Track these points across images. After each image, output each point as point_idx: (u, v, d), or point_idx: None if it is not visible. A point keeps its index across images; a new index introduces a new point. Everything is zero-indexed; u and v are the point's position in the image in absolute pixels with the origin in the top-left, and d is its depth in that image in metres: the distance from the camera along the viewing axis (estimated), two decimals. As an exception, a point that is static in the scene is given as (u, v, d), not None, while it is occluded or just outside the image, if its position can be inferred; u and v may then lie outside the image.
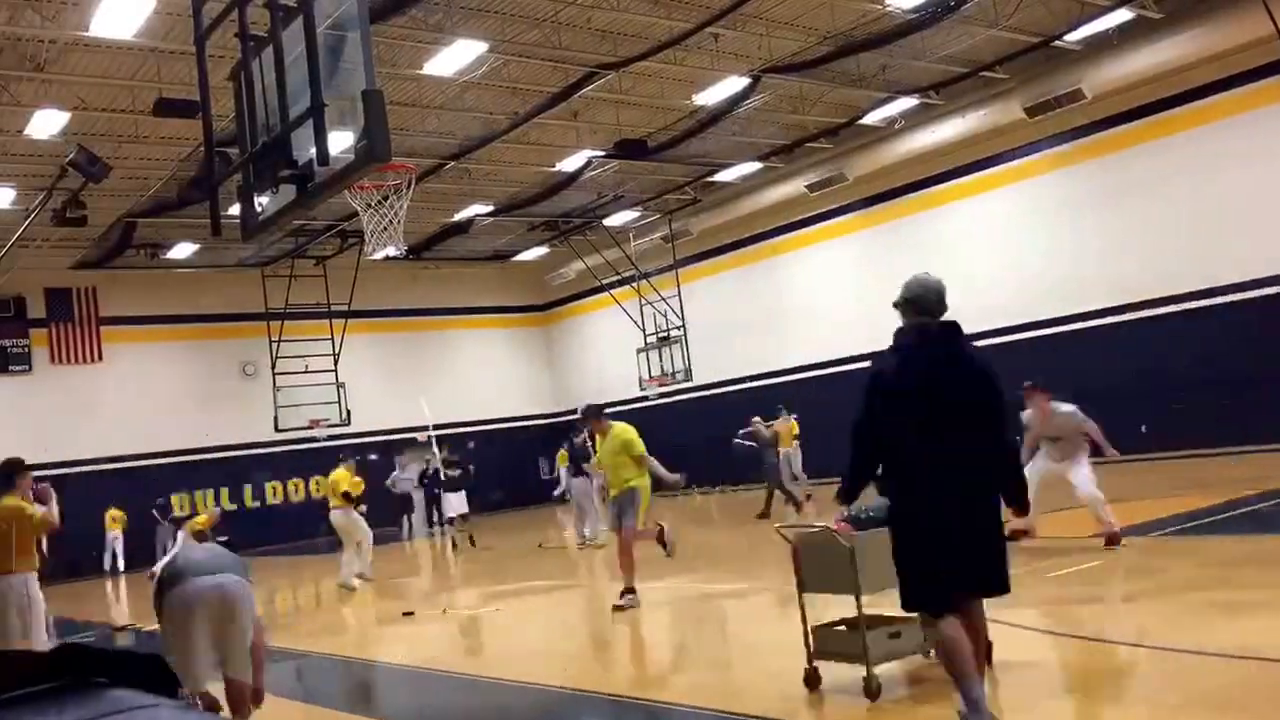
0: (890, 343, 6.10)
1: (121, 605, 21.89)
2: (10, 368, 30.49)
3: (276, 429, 31.14)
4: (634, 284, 33.96)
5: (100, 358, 31.65)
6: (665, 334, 33.06)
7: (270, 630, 14.66)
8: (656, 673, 9.27)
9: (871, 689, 6.78)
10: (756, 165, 29.57)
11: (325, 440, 32.22)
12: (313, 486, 32.48)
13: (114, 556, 29.14)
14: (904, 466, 5.90)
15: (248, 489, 32.87)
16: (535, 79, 21.82)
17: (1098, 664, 7.22)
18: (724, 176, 30.40)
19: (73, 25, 16.89)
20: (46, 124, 20.21)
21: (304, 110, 6.04)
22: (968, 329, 22.65)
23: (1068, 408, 13.17)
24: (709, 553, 18.12)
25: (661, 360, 32.74)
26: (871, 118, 26.27)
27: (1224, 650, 6.96)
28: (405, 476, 31.71)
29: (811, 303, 30.86)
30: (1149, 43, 22.49)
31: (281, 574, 24.27)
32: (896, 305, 6.16)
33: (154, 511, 29.76)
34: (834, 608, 7.51)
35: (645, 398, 33.48)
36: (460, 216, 31.18)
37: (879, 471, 6.07)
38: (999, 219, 26.65)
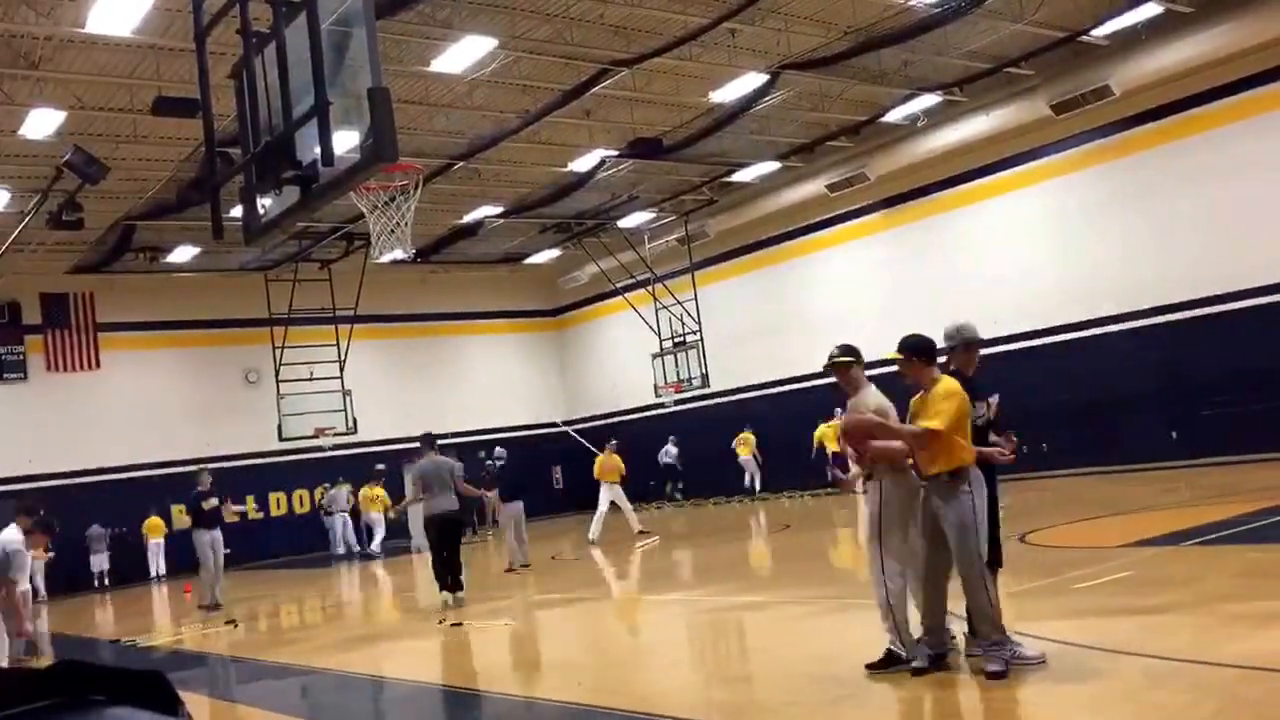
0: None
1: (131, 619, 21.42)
2: (5, 375, 30.30)
3: (280, 438, 30.93)
4: (649, 287, 33.96)
5: (98, 365, 31.41)
6: (681, 339, 32.95)
7: (278, 646, 14.48)
8: (672, 687, 9.03)
9: None
10: (775, 164, 29.49)
11: (331, 450, 31.90)
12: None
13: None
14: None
15: (250, 500, 32.43)
16: (546, 76, 21.69)
17: (1127, 677, 7.08)
18: (742, 176, 30.31)
19: (69, 22, 16.79)
20: (42, 124, 20.13)
21: (308, 109, 6.03)
22: (992, 331, 22.40)
23: None
24: (726, 564, 18.23)
25: (678, 366, 32.62)
26: (894, 115, 26.21)
27: (1258, 662, 6.91)
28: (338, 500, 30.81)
29: (832, 306, 30.58)
30: (1179, 38, 22.29)
31: (286, 587, 24.06)
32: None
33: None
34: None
35: (661, 405, 33.20)
36: (470, 218, 31.09)
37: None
38: (1025, 219, 26.56)
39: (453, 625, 13.78)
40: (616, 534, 23.02)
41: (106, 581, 28.61)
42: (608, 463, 23.57)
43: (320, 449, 31.86)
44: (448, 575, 15.68)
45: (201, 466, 18.92)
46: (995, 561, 7.65)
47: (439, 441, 16.57)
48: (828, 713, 7.19)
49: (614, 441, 25.03)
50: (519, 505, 19.98)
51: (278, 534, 32.27)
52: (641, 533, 23.20)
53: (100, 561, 28.79)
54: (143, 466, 30.82)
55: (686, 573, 18.18)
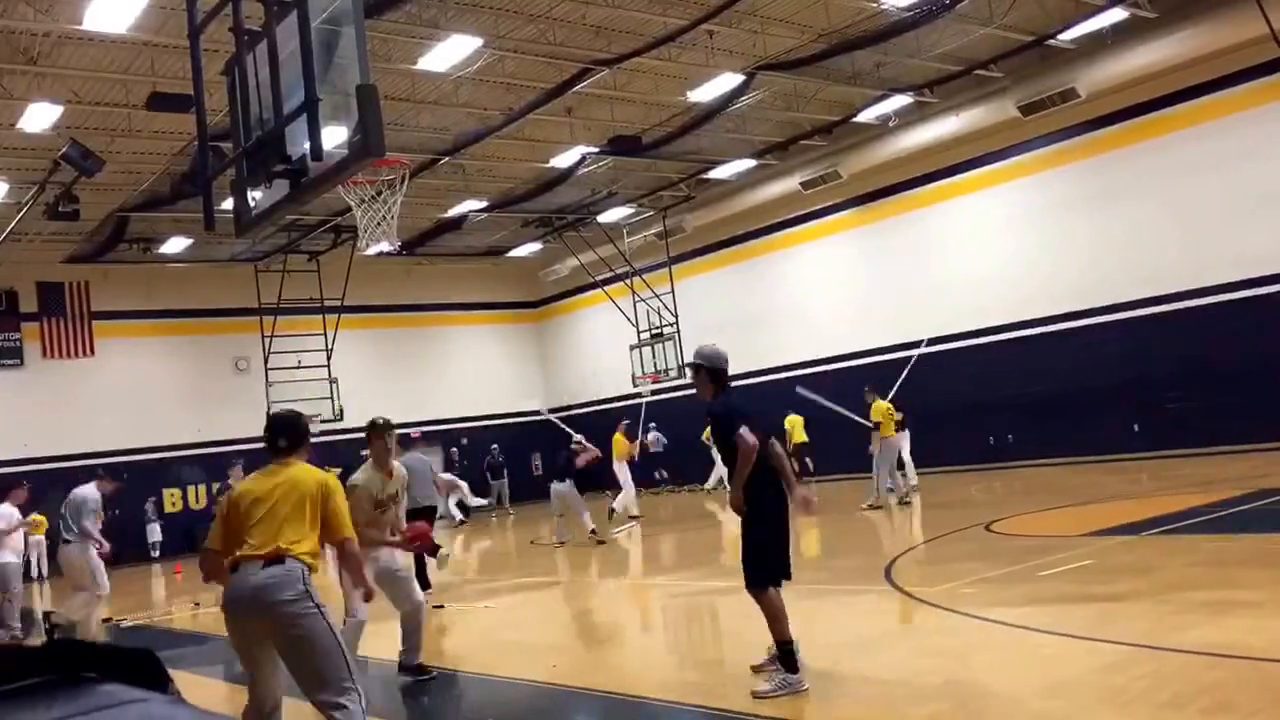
0: (723, 395, 7.95)
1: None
2: (2, 362, 30.44)
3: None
4: (627, 281, 34.02)
5: (92, 352, 31.60)
6: (659, 331, 32.99)
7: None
8: (645, 669, 9.23)
9: None
10: (751, 162, 29.60)
11: (318, 436, 32.11)
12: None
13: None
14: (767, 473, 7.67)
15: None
16: (530, 75, 21.76)
17: (1087, 662, 7.17)
18: (718, 173, 30.38)
19: (66, 19, 16.87)
20: (39, 117, 20.18)
21: (298, 105, 6.06)
22: (959, 328, 22.96)
23: None
24: (701, 550, 18.25)
25: (655, 357, 32.67)
26: (866, 115, 26.27)
27: (1214, 649, 7.00)
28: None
29: (805, 300, 30.97)
30: (1143, 42, 22.49)
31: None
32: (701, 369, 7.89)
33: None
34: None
35: (639, 395, 33.48)
36: (454, 212, 31.14)
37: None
38: (992, 218, 26.72)
39: (434, 607, 13.72)
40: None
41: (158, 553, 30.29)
42: (624, 442, 24.49)
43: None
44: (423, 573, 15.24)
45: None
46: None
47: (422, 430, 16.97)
48: (798, 695, 7.22)
49: (626, 422, 25.70)
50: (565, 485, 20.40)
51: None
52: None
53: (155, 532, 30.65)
54: (135, 451, 31.10)
55: (663, 558, 18.26)
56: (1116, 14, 21.78)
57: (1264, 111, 21.89)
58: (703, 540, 19.80)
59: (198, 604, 17.57)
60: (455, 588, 15.84)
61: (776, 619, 7.51)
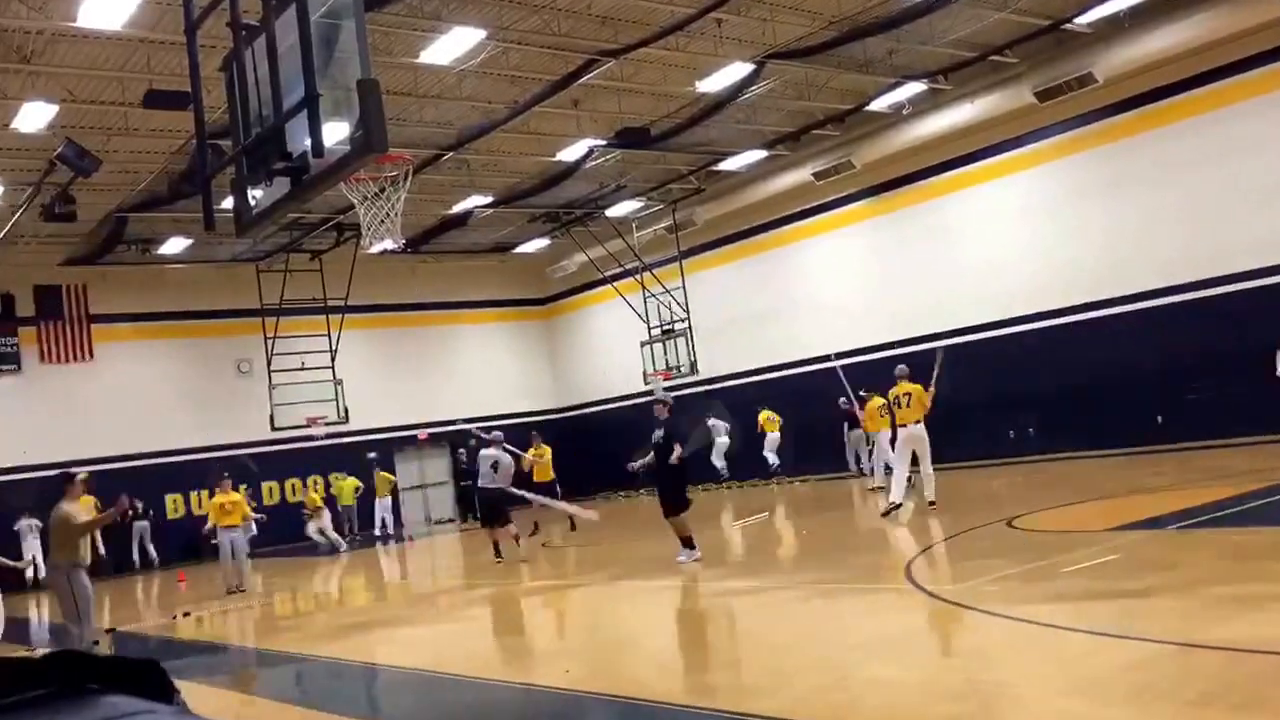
0: None
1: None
2: (-1, 367, 30.24)
3: (273, 428, 30.90)
4: (637, 276, 33.98)
5: (91, 356, 31.43)
6: (669, 326, 33.04)
7: (272, 634, 14.65)
8: (661, 673, 9.12)
9: None
10: (762, 153, 29.53)
11: (323, 439, 31.95)
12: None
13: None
14: None
15: (243, 489, 32.38)
16: (534, 67, 21.69)
17: (1113, 659, 7.05)
18: (729, 165, 30.29)
19: (60, 16, 16.79)
20: (34, 117, 20.08)
21: (298, 101, 6.09)
22: (977, 319, 22.87)
23: None
24: (718, 551, 17.94)
25: (666, 353, 32.70)
26: (879, 103, 26.19)
27: (1242, 644, 6.94)
28: None
29: (819, 293, 30.84)
30: (1162, 25, 22.36)
31: (280, 577, 24.13)
32: None
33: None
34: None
35: (650, 392, 33.26)
36: (459, 208, 31.11)
37: None
38: (1009, 206, 26.63)
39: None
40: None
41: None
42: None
43: (313, 438, 31.90)
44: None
45: None
46: None
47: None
48: (819, 698, 7.18)
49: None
50: None
51: (274, 524, 32.04)
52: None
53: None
54: (136, 456, 30.86)
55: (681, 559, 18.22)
56: (1133, -5, 21.64)
57: (1285, 95, 21.73)
58: (719, 540, 19.49)
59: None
60: (463, 591, 15.62)
61: None
